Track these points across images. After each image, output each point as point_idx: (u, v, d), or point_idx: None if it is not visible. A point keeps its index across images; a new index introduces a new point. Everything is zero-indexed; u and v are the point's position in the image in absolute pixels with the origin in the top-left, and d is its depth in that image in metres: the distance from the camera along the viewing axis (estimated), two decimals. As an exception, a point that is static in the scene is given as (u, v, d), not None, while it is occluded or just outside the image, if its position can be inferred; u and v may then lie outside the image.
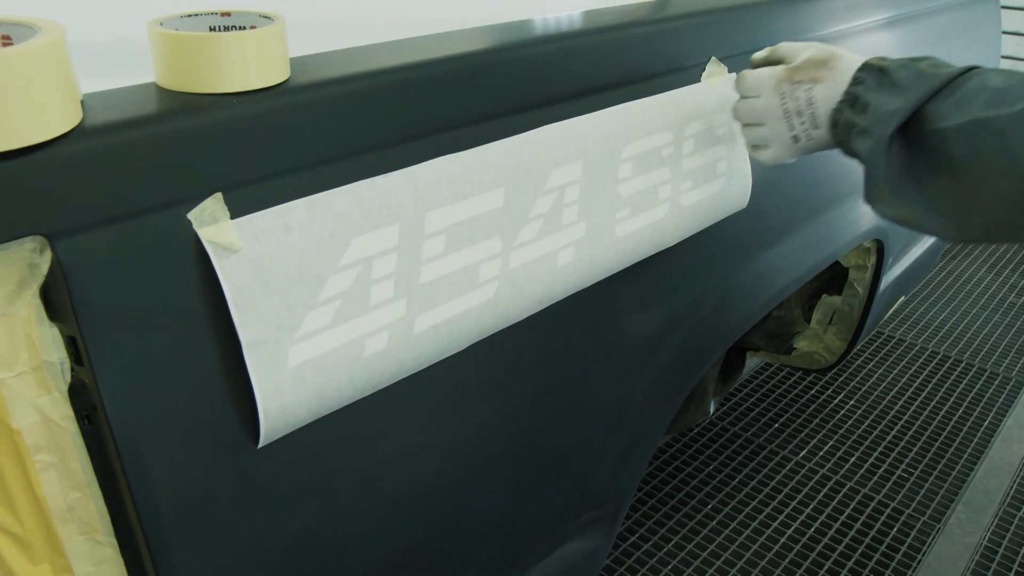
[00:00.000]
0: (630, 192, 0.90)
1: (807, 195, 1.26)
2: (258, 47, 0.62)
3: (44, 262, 0.54)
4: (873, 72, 0.81)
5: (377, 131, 0.68)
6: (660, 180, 0.93)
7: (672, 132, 0.94)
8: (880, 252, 1.58)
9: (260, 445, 0.63)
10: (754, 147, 0.91)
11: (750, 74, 0.89)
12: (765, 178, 1.09)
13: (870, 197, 0.82)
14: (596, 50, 0.88)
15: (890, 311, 2.29)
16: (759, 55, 0.93)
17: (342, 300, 0.65)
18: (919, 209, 0.78)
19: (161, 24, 0.63)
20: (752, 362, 2.53)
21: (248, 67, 0.62)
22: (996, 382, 2.54)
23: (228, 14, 0.67)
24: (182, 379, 0.59)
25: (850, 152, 0.84)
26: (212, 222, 0.58)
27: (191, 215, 0.58)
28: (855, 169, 1.38)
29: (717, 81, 1.01)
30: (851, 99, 0.82)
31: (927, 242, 1.87)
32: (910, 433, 2.31)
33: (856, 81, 0.82)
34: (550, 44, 0.84)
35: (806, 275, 1.29)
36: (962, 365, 2.62)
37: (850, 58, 0.84)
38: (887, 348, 2.70)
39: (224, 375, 0.61)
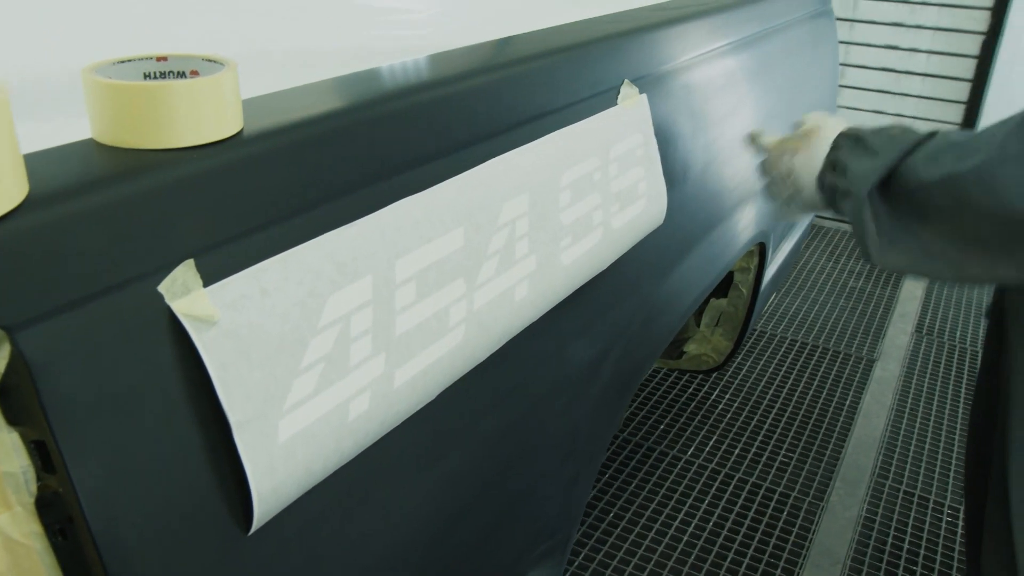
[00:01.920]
0: (570, 220, 0.89)
1: (707, 208, 1.30)
2: (214, 96, 0.56)
3: (1, 359, 0.46)
4: (848, 139, 0.90)
5: (340, 175, 0.64)
6: (593, 205, 0.93)
7: (599, 156, 0.94)
8: (762, 254, 1.65)
9: (251, 531, 0.57)
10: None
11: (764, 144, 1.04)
12: (672, 195, 1.11)
13: (863, 253, 0.88)
14: (529, 78, 0.87)
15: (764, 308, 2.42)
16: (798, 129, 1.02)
17: (325, 363, 0.60)
18: (915, 257, 0.83)
19: (97, 72, 0.56)
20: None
21: (205, 118, 0.56)
22: (851, 363, 2.73)
23: (165, 58, 0.60)
24: (168, 471, 0.52)
25: (841, 213, 0.91)
26: (185, 293, 0.52)
27: (162, 288, 0.51)
28: (744, 180, 1.45)
29: (632, 103, 1.02)
30: (831, 164, 0.91)
31: (794, 239, 1.97)
32: (784, 420, 2.44)
33: (835, 147, 0.91)
34: (493, 73, 0.82)
35: (713, 283, 1.33)
36: (819, 350, 2.79)
37: (832, 127, 0.94)
38: (753, 342, 2.84)
39: (211, 460, 0.55)
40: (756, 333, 2.88)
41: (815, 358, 2.75)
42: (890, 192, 0.83)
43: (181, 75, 0.59)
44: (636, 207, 1.02)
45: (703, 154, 1.27)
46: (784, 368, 2.68)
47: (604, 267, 0.97)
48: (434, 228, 0.70)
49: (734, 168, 1.40)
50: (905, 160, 0.82)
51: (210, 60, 0.60)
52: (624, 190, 0.99)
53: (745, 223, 1.46)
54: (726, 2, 1.44)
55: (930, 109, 3.94)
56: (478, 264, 0.75)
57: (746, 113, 1.46)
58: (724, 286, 1.73)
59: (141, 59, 0.60)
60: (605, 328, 1.03)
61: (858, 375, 2.67)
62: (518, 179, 0.80)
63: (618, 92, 1.00)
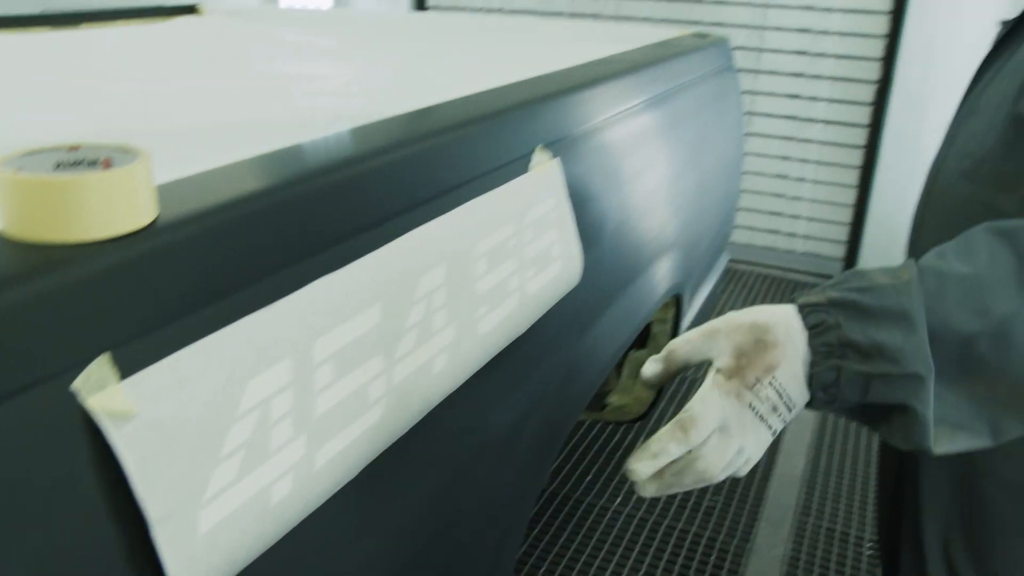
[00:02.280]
0: (486, 288, 0.91)
1: (623, 264, 1.34)
2: (127, 187, 0.57)
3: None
4: (835, 312, 0.70)
5: (256, 259, 0.65)
6: (509, 271, 0.95)
7: (513, 223, 0.97)
8: (678, 305, 1.70)
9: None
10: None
11: (697, 408, 0.70)
12: (588, 254, 1.14)
13: (928, 441, 0.69)
14: (442, 150, 0.89)
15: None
16: (652, 370, 0.77)
17: (246, 449, 0.60)
18: (984, 431, 0.70)
19: (7, 165, 0.55)
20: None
21: (118, 210, 0.56)
22: (769, 403, 2.80)
23: (77, 148, 0.60)
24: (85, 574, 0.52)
25: (854, 407, 0.73)
26: (101, 388, 0.52)
27: (76, 384, 0.51)
28: (659, 234, 1.50)
29: (544, 168, 1.05)
30: (841, 348, 0.69)
31: (709, 286, 2.04)
32: (707, 463, 2.48)
33: (823, 330, 0.70)
34: (407, 148, 0.84)
35: (631, 336, 1.36)
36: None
37: (776, 318, 0.71)
38: (675, 388, 2.89)
39: (130, 559, 0.54)
40: (679, 379, 2.93)
41: (735, 400, 2.81)
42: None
43: (94, 165, 0.59)
44: (552, 270, 1.04)
45: (617, 212, 1.31)
46: (706, 411, 2.74)
47: (522, 331, 0.99)
48: (351, 306, 0.71)
49: (649, 223, 1.45)
50: (935, 312, 0.68)
51: (123, 150, 0.61)
52: (539, 254, 1.01)
53: (661, 276, 1.50)
54: (636, 63, 1.50)
55: (833, 154, 4.13)
56: (396, 339, 0.76)
57: (659, 168, 1.51)
58: (643, 337, 1.78)
59: (53, 150, 0.60)
60: (526, 390, 1.05)
61: (777, 415, 2.74)
62: (434, 252, 0.82)
63: (530, 159, 1.03)
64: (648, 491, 0.72)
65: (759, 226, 4.30)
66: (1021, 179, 0.87)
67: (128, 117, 1.14)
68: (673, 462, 0.71)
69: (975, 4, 3.50)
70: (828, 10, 3.92)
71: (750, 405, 0.70)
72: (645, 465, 0.70)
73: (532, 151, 1.04)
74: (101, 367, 0.52)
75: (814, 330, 0.70)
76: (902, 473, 1.11)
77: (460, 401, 0.90)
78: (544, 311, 1.04)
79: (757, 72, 4.11)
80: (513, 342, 0.99)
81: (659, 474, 0.71)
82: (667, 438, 0.70)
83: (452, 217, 0.86)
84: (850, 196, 4.10)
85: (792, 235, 4.28)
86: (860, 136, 4.00)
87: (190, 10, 2.52)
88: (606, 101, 1.32)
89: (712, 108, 1.91)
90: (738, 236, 4.23)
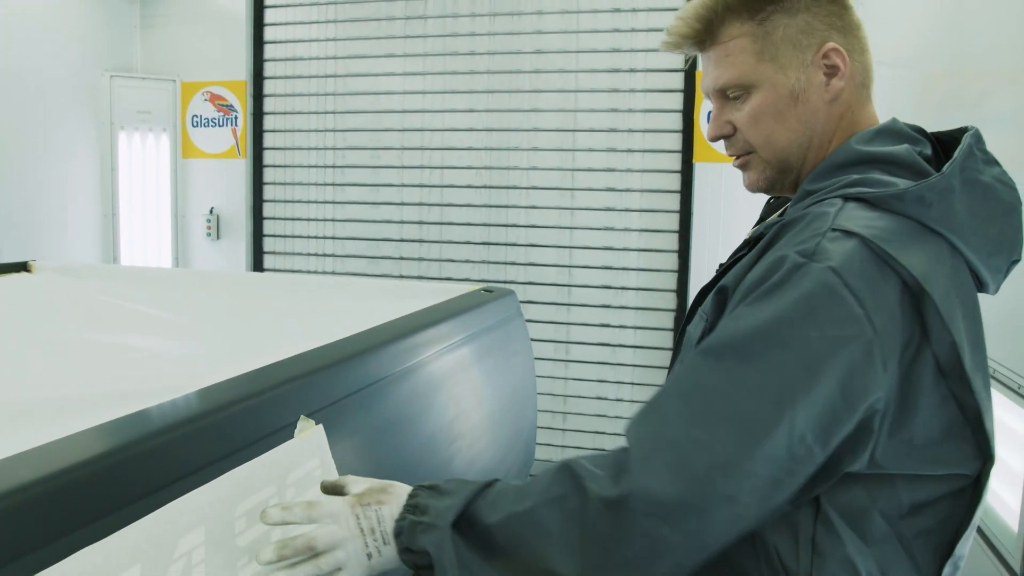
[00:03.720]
0: (246, 542, 1.08)
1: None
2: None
3: None
4: (425, 489, 1.05)
5: (30, 535, 0.81)
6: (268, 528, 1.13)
7: (276, 484, 1.16)
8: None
9: None
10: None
11: (326, 500, 1.06)
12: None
13: None
14: (211, 429, 1.09)
15: None
16: (328, 482, 1.12)
17: None
18: None
19: None
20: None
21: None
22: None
23: None
24: None
25: (417, 554, 1.01)
26: None
27: None
28: (443, 470, 1.70)
29: (307, 434, 1.26)
30: (411, 508, 1.03)
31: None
32: None
33: (412, 496, 1.04)
34: (169, 433, 1.03)
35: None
36: None
37: (402, 486, 1.07)
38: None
39: None
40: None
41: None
42: (462, 532, 0.99)
43: None
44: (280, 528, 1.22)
45: (394, 457, 1.51)
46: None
47: (286, 577, 1.15)
48: (110, 569, 0.87)
49: (430, 463, 1.66)
50: (474, 502, 0.99)
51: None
52: (302, 508, 1.20)
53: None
54: (415, 325, 1.77)
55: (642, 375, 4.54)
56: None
57: (440, 412, 1.75)
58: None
59: None
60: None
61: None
62: (195, 515, 0.99)
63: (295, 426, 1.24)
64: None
65: (586, 445, 4.60)
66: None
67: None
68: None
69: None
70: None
71: (357, 517, 1.04)
72: (275, 513, 1.04)
73: (297, 419, 1.25)
74: None
75: (411, 495, 1.06)
76: None
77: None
78: None
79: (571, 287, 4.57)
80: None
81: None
82: (299, 507, 1.05)
83: (213, 486, 1.04)
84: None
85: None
86: (665, 358, 4.46)
87: (22, 267, 2.67)
88: (383, 362, 1.57)
89: (498, 351, 2.20)
90: (558, 456, 4.50)
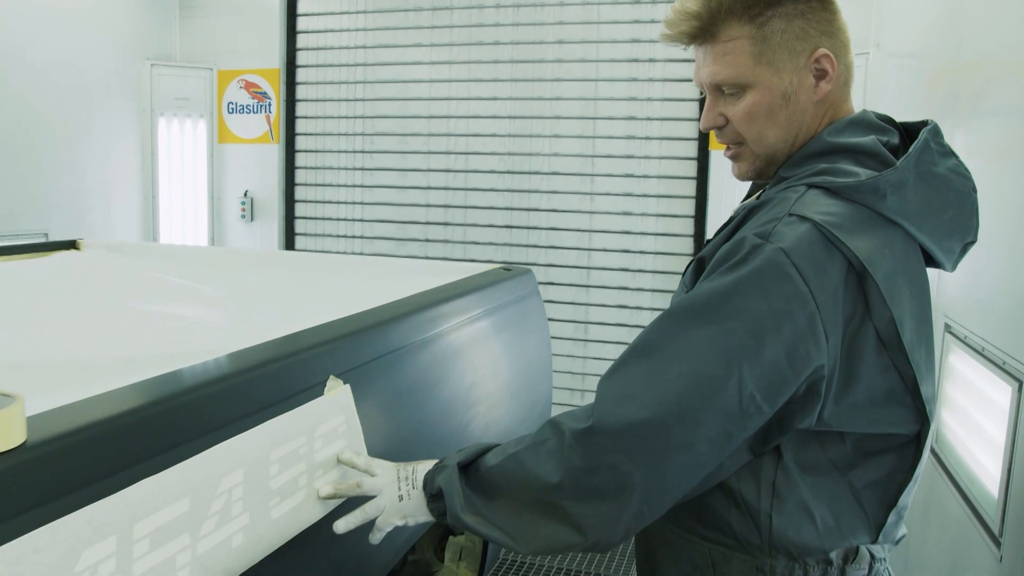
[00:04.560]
0: (279, 484, 1.23)
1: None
2: (4, 424, 0.88)
3: None
4: (450, 455, 1.25)
5: (97, 465, 0.96)
6: (300, 471, 1.28)
7: (306, 436, 1.31)
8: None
9: None
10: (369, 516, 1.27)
11: (380, 460, 1.33)
12: (389, 454, 1.47)
13: (450, 514, 1.19)
14: (251, 384, 1.24)
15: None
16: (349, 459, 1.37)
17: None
18: (483, 522, 1.16)
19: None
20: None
21: (-1, 438, 0.88)
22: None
23: (-29, 394, 0.92)
24: None
25: (436, 498, 1.22)
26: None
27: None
28: (460, 433, 1.85)
29: (336, 392, 1.40)
30: (437, 464, 1.25)
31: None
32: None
33: (440, 461, 1.26)
34: (215, 385, 1.18)
35: (422, 528, 1.67)
36: (572, 574, 3.14)
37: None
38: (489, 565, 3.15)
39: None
40: (503, 560, 3.20)
41: (565, 586, 3.09)
42: (469, 475, 1.20)
43: (-17, 407, 0.91)
44: (338, 471, 1.37)
45: (416, 419, 1.66)
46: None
47: (315, 520, 1.30)
48: (165, 499, 1.02)
49: (448, 426, 1.80)
50: (482, 453, 1.21)
51: (3, 394, 0.93)
52: (328, 458, 1.35)
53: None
54: (435, 299, 1.92)
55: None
56: (200, 522, 1.07)
57: (458, 380, 1.89)
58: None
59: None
60: (322, 569, 1.34)
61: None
62: (235, 458, 1.15)
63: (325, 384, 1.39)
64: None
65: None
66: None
67: (10, 352, 1.45)
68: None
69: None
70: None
71: (398, 470, 1.29)
72: (347, 455, 1.35)
73: (327, 378, 1.40)
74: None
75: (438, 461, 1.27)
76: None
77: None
78: (333, 507, 1.35)
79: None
80: (311, 528, 1.29)
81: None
82: (363, 457, 1.36)
83: (252, 433, 1.19)
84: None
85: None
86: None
87: (71, 245, 2.85)
88: (406, 331, 1.71)
89: (515, 326, 2.33)
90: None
